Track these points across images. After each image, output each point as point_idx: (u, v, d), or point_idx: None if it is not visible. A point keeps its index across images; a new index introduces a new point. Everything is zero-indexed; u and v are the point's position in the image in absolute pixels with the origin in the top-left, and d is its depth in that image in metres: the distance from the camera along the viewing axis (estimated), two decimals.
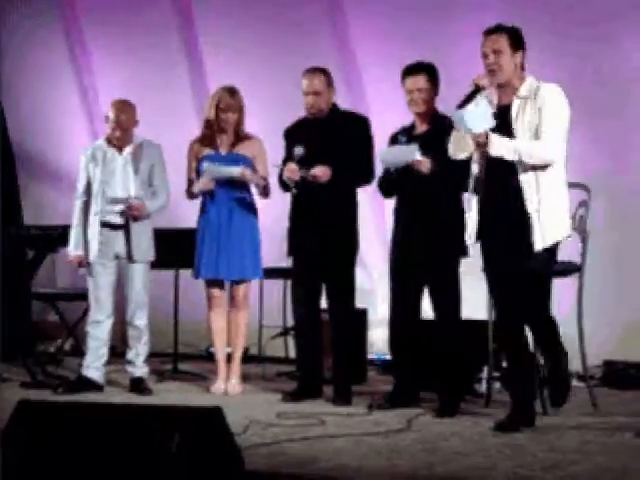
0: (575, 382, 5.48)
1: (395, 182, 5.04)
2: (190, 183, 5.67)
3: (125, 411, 3.48)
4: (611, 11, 5.96)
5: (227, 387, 5.64)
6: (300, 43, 6.71)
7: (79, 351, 6.19)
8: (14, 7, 7.42)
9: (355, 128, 5.35)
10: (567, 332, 5.35)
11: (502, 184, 4.45)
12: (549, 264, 4.49)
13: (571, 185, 4.95)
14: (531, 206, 4.38)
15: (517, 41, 4.48)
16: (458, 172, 4.74)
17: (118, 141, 5.65)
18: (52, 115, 7.78)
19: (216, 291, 5.68)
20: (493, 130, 4.37)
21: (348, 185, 5.33)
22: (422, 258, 4.98)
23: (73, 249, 5.72)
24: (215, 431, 3.30)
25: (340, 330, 5.39)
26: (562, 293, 5.72)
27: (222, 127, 5.60)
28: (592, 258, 5.06)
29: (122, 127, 5.61)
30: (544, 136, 4.39)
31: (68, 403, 3.85)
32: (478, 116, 4.33)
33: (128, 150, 5.66)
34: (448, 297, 5.01)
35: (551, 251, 4.45)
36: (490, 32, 4.49)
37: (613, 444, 4.20)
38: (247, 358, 6.45)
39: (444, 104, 5.01)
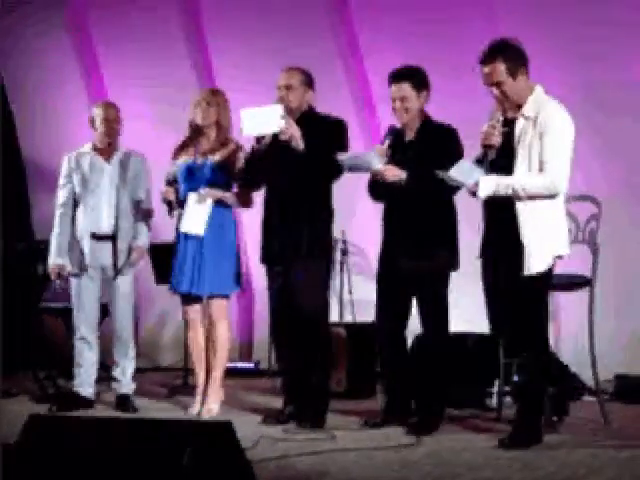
0: (586, 396, 5.49)
1: (382, 185, 4.76)
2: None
3: (137, 426, 3.48)
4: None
5: (202, 409, 5.32)
6: (310, 49, 6.67)
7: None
8: (18, 15, 7.37)
9: (325, 128, 4.98)
10: (578, 346, 5.36)
11: (501, 210, 4.41)
12: (537, 290, 4.42)
13: (581, 198, 4.96)
14: (524, 235, 4.34)
15: (515, 63, 4.35)
16: (437, 184, 4.52)
17: (106, 149, 5.49)
18: (61, 126, 7.73)
19: (191, 308, 5.40)
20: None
21: (313, 173, 4.90)
22: (410, 270, 4.75)
23: (54, 257, 5.50)
24: (226, 446, 3.30)
25: (308, 347, 4.98)
26: (573, 306, 5.75)
27: (203, 127, 5.30)
28: (603, 271, 5.04)
29: (111, 126, 5.43)
30: (547, 167, 4.30)
31: (79, 418, 3.86)
32: (465, 171, 4.36)
33: (116, 159, 5.49)
34: (435, 311, 4.81)
35: (541, 278, 4.39)
36: (485, 62, 4.36)
37: (624, 459, 4.18)
38: (258, 372, 6.45)
39: (448, 113, 4.98)
